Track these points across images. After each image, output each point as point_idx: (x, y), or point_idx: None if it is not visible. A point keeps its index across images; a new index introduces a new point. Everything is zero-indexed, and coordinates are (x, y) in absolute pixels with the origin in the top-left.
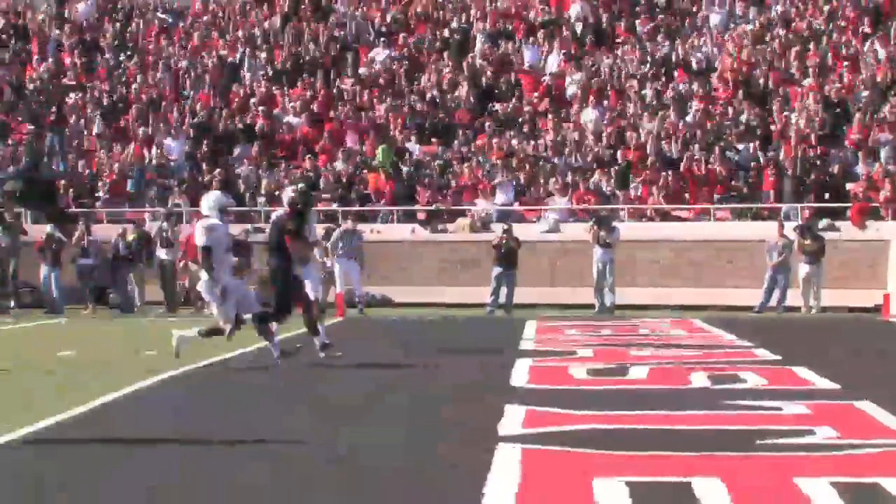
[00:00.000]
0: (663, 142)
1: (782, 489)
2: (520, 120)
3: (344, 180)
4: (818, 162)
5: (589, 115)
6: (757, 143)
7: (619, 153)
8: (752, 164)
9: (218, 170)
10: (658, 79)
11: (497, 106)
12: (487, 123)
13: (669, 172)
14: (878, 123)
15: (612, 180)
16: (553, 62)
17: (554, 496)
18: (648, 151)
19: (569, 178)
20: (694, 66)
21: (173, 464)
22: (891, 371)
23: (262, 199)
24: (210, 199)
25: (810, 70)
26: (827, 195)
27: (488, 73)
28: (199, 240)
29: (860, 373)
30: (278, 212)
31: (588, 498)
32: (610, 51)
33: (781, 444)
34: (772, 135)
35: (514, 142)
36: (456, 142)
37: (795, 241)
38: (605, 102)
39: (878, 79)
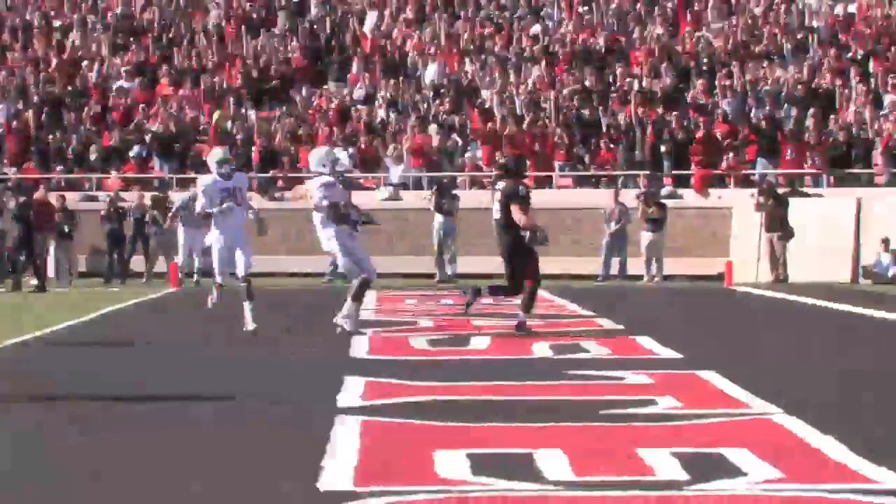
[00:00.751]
0: (504, 106)
1: (625, 459)
2: (358, 84)
3: (177, 147)
4: (660, 127)
5: (430, 73)
6: (599, 108)
7: (458, 117)
8: (594, 129)
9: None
10: (500, 41)
11: (334, 69)
12: (325, 87)
13: (511, 137)
14: (723, 87)
15: (451, 141)
16: (394, 26)
17: (394, 468)
18: (490, 116)
19: (406, 141)
20: (537, 29)
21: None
22: (734, 340)
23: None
24: (319, 155)
25: (652, 32)
26: (668, 162)
27: (324, 36)
28: (320, 199)
29: (703, 342)
30: (501, 183)
31: (429, 470)
32: (452, 13)
33: (624, 414)
34: (613, 100)
35: (353, 107)
36: (290, 106)
37: (639, 209)
38: (446, 64)
39: (723, 41)
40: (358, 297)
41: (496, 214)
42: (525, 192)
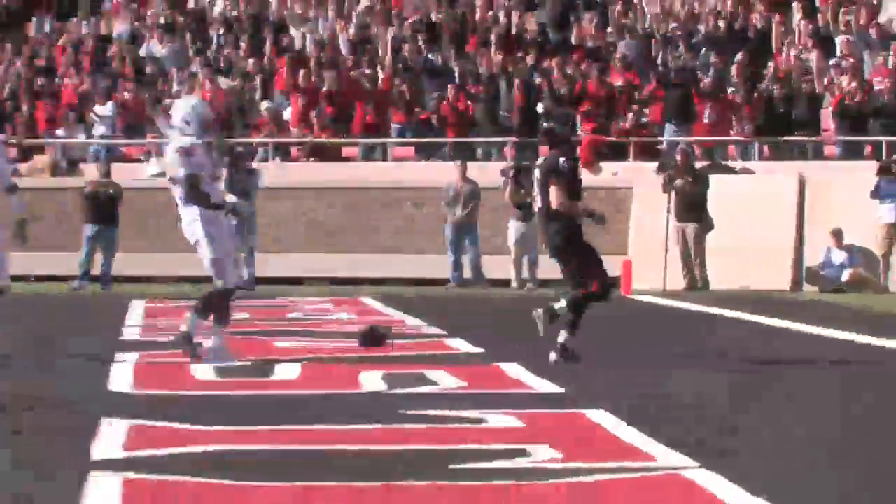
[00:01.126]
0: (323, 48)
1: None
2: (120, 16)
3: None
4: (533, 77)
5: (220, 4)
6: (452, 53)
7: (258, 62)
8: (442, 80)
9: None
10: None
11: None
12: (72, 20)
13: (331, 91)
14: (620, 24)
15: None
16: None
17: None
18: (303, 61)
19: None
20: None
21: None
22: (632, 370)
23: None
24: (185, 109)
25: None
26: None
27: None
28: (176, 169)
29: (591, 372)
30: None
31: None
32: None
33: (484, 469)
34: (469, 40)
35: (112, 48)
36: (24, 47)
37: (505, 189)
38: None
39: None
40: (205, 311)
41: (538, 201)
42: (566, 167)
